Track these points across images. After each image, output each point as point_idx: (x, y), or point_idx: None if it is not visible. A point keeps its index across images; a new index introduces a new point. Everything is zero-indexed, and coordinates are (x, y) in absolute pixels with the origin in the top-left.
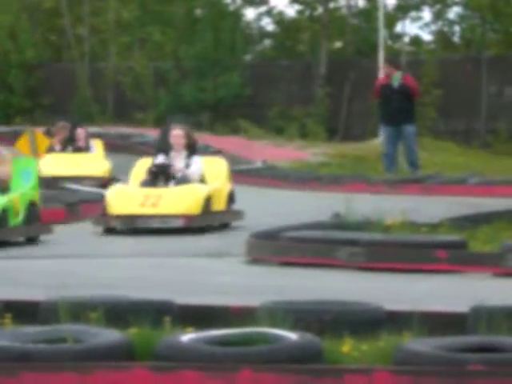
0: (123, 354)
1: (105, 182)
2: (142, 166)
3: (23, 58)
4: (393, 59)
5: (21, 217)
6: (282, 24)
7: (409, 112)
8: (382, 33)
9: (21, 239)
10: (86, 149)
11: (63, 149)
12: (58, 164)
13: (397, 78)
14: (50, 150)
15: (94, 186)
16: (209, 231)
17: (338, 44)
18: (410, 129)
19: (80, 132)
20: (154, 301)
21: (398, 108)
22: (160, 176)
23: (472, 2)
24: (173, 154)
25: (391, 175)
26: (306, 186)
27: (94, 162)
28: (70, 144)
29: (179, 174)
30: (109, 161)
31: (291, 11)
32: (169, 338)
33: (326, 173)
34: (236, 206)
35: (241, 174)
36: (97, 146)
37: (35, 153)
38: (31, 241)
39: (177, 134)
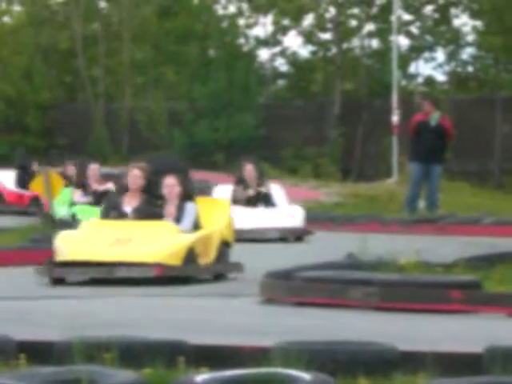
0: None
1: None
2: None
3: (38, 99)
4: (434, 100)
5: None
6: (295, 64)
7: (440, 152)
8: (396, 73)
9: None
10: None
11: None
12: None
13: (435, 118)
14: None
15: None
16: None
17: (351, 85)
18: (437, 169)
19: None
20: (167, 341)
21: (431, 146)
22: None
23: (484, 42)
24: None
25: (408, 214)
26: (321, 226)
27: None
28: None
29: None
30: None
31: (305, 52)
32: (183, 378)
33: (340, 213)
34: (250, 248)
35: None
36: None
37: (50, 194)
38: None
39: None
